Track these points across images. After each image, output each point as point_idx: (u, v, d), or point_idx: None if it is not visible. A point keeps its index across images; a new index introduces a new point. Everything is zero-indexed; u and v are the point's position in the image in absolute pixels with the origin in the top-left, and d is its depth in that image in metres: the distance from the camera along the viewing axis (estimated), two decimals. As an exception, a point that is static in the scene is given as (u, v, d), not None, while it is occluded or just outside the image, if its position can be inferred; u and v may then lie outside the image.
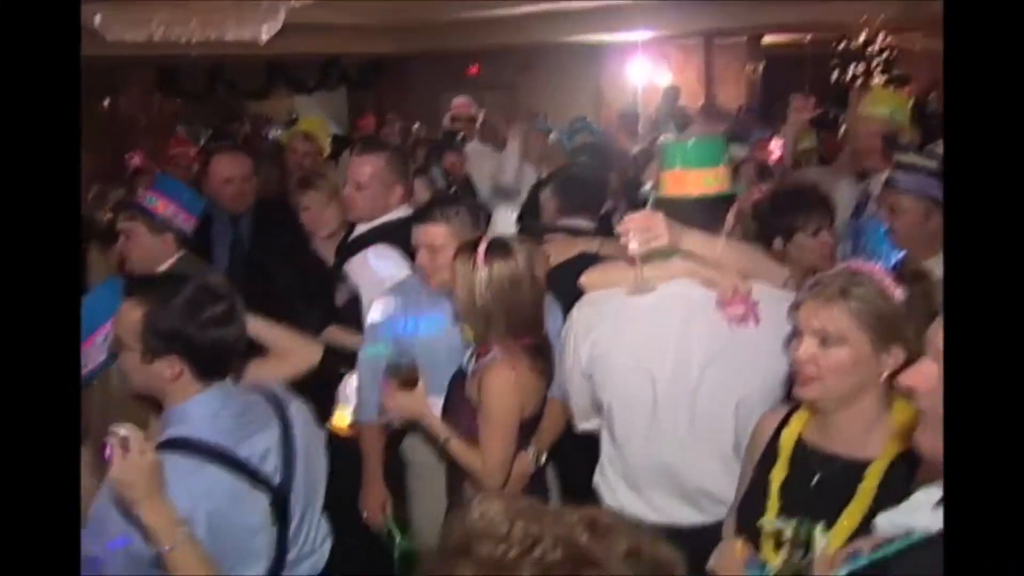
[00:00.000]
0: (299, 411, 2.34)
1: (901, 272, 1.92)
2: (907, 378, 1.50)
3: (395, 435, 3.23)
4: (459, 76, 14.02)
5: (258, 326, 2.58)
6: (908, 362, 1.85)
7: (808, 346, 1.93)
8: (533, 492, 2.83)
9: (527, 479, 2.86)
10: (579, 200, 3.87)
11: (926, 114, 10.11)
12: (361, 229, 3.69)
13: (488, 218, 3.59)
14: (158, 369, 2.08)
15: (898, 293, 1.89)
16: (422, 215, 3.17)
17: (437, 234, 3.05)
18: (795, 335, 1.99)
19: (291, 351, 2.67)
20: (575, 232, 3.72)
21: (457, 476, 2.90)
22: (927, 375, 1.45)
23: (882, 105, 4.31)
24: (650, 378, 2.46)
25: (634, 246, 2.39)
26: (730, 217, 2.51)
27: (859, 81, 10.24)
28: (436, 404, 2.88)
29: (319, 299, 3.66)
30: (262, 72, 12.79)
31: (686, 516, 2.44)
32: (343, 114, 15.33)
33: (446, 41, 12.51)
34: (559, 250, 3.50)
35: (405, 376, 2.80)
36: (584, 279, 2.68)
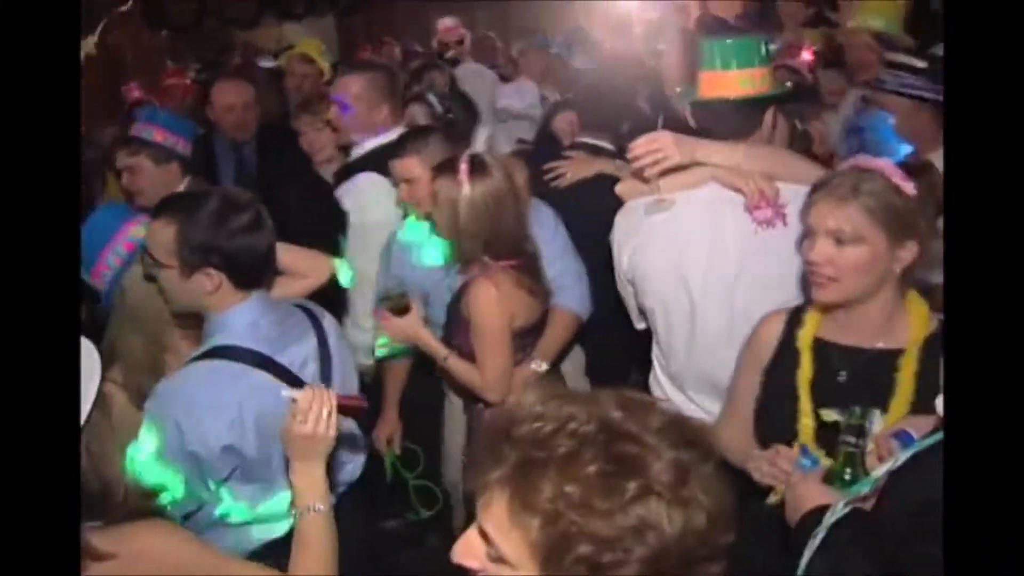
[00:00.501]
0: (331, 324, 2.43)
1: (909, 166, 1.91)
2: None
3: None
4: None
5: None
6: (921, 254, 1.90)
7: (823, 247, 1.93)
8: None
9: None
10: (596, 119, 3.84)
11: (927, 13, 9.94)
12: (356, 154, 3.70)
13: (468, 136, 3.59)
14: (197, 283, 2.15)
15: (909, 187, 1.89)
16: (394, 149, 3.19)
17: (411, 166, 3.08)
18: (808, 237, 1.99)
19: (304, 269, 2.72)
20: (594, 150, 3.70)
21: (471, 405, 2.98)
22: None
23: (873, 16, 4.19)
24: (686, 283, 2.50)
25: (648, 171, 2.44)
26: (768, 118, 2.49)
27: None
28: (438, 329, 2.97)
29: (326, 222, 3.69)
30: (251, 1, 12.52)
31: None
32: (332, 41, 15.07)
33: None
34: (576, 168, 3.52)
35: (397, 304, 2.90)
36: (620, 188, 2.70)
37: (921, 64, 3.04)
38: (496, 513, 1.07)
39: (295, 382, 2.17)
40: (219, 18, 12.63)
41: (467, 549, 1.13)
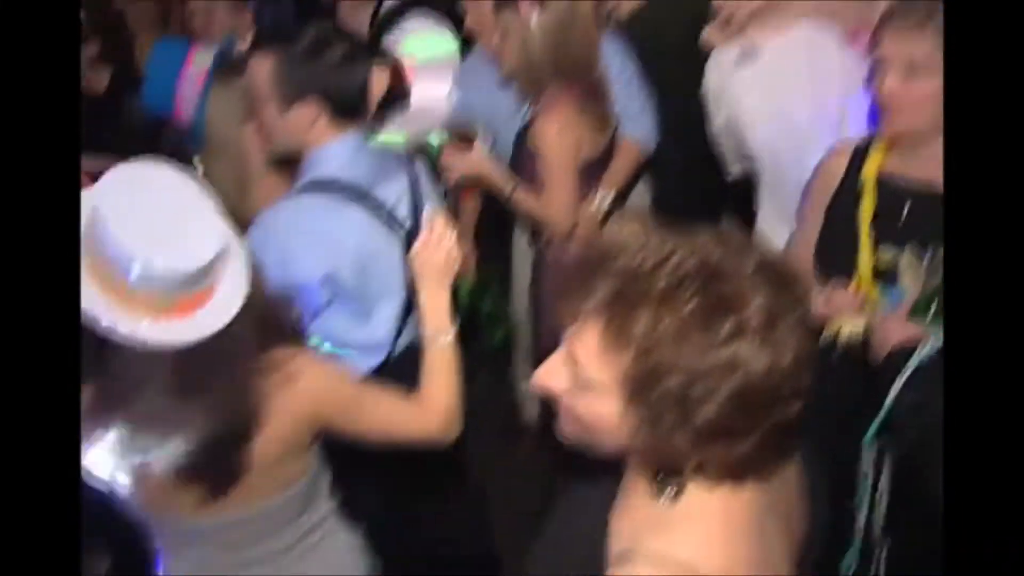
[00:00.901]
0: (421, 166, 2.47)
1: None
2: None
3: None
4: None
5: None
6: None
7: (895, 78, 1.89)
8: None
9: (597, 223, 2.95)
10: None
11: None
12: None
13: None
14: (295, 117, 2.18)
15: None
16: None
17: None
18: (877, 69, 1.94)
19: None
20: None
21: (537, 239, 3.02)
22: None
23: None
24: (791, 122, 2.48)
25: (737, 15, 2.41)
26: None
27: None
28: (503, 162, 2.98)
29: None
30: None
31: None
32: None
33: None
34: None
35: (462, 135, 2.92)
36: (705, 36, 2.66)
37: None
38: (588, 341, 1.09)
39: (391, 217, 2.24)
40: None
41: (552, 373, 1.16)
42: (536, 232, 3.04)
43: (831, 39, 2.35)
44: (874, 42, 1.96)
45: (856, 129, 2.30)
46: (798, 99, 2.44)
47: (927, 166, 1.96)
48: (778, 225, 2.62)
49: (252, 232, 2.13)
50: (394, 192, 2.31)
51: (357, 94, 2.21)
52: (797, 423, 1.11)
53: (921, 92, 1.88)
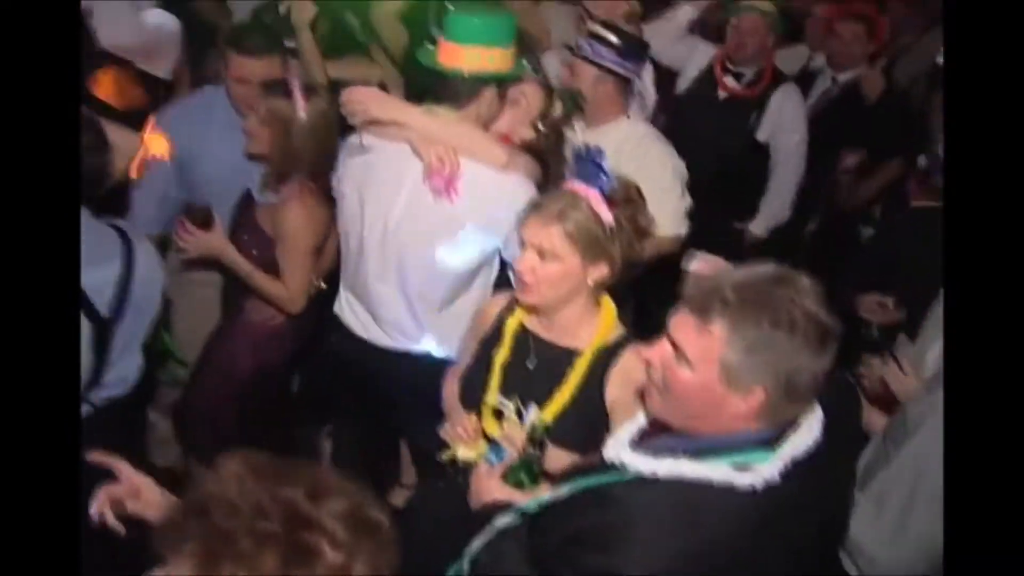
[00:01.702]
0: (144, 251, 2.46)
1: (612, 196, 2.16)
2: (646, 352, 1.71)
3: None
4: None
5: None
6: (611, 273, 2.20)
7: (528, 259, 2.17)
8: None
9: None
10: None
11: None
12: None
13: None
14: None
15: (608, 216, 2.14)
16: (236, 42, 3.15)
17: (250, 66, 3.10)
18: (520, 246, 2.22)
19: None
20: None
21: (234, 297, 3.11)
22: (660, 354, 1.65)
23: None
24: (361, 218, 2.73)
25: (351, 119, 2.68)
26: (488, 93, 2.66)
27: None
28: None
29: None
30: None
31: (382, 339, 2.83)
32: None
33: None
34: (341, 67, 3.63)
35: (200, 216, 2.94)
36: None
37: (616, 40, 3.37)
38: None
39: (87, 306, 2.25)
40: None
41: None
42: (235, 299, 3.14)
43: (418, 166, 2.64)
44: (519, 222, 2.23)
45: (401, 248, 2.67)
46: (371, 200, 2.73)
47: (555, 329, 2.28)
48: (345, 298, 2.92)
49: None
50: (100, 278, 2.32)
51: (86, 181, 2.21)
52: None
53: (547, 273, 2.17)
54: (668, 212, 3.34)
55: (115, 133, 2.41)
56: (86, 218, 2.26)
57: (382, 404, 2.94)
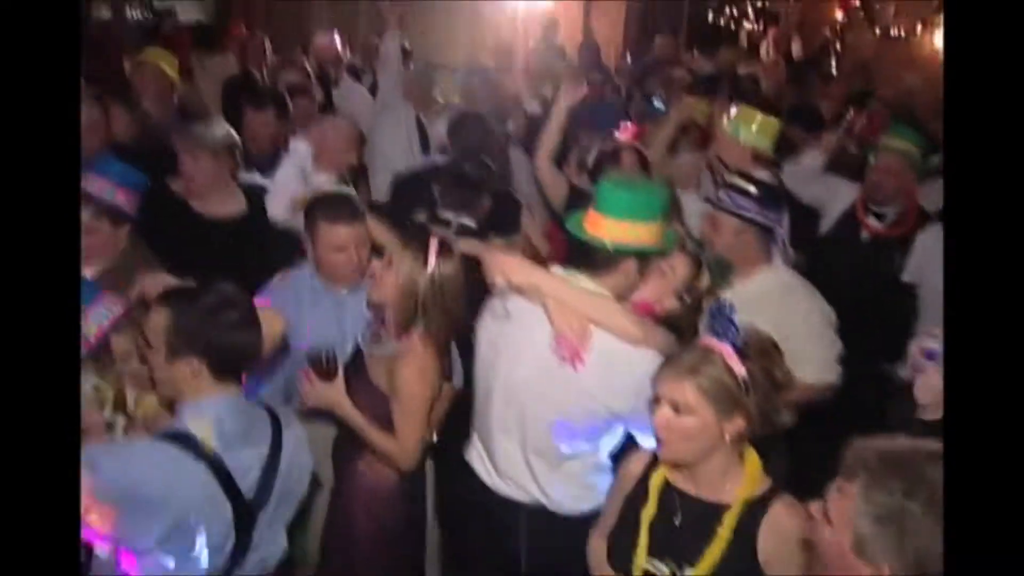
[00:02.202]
0: (294, 435, 2.50)
1: (745, 350, 2.19)
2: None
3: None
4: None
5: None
6: (748, 427, 2.20)
7: (663, 413, 2.21)
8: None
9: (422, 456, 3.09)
10: (459, 198, 3.97)
11: (788, 59, 10.58)
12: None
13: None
14: (178, 368, 2.29)
15: (741, 370, 2.17)
16: (328, 213, 3.28)
17: (345, 235, 3.23)
18: (654, 401, 2.25)
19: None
20: (460, 230, 3.88)
21: (345, 458, 3.11)
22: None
23: (746, 126, 4.27)
24: (493, 369, 2.81)
25: (497, 280, 2.75)
26: (629, 267, 2.69)
27: (733, 26, 10.52)
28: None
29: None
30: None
31: (502, 488, 2.85)
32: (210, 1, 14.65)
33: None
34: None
35: (326, 367, 2.95)
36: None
37: (755, 190, 3.38)
38: None
39: (229, 486, 2.29)
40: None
41: None
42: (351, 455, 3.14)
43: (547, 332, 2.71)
44: (654, 378, 2.26)
45: (526, 404, 2.73)
46: (504, 355, 2.82)
47: (700, 483, 2.28)
48: (475, 445, 2.98)
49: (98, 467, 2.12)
50: (247, 461, 2.35)
51: (241, 357, 2.36)
52: None
53: (682, 427, 2.19)
54: (818, 360, 3.31)
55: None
56: (239, 400, 2.38)
57: (508, 557, 2.91)
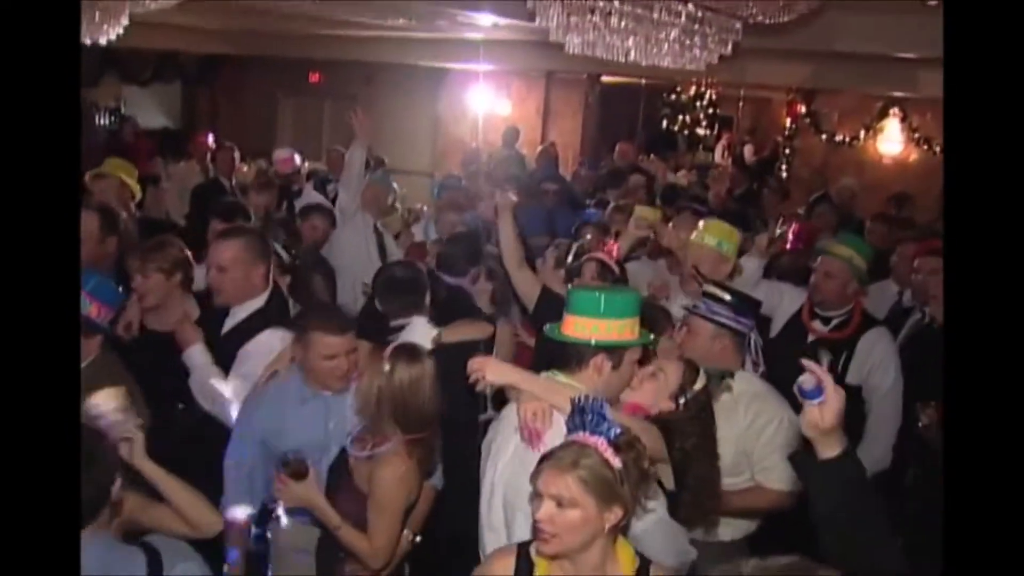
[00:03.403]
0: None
1: (618, 442, 2.31)
2: None
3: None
4: (299, 81, 13.92)
5: (161, 478, 2.74)
6: (624, 516, 2.31)
7: (547, 509, 2.29)
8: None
9: (402, 556, 3.17)
10: (399, 303, 4.03)
11: (740, 163, 10.98)
12: (235, 318, 3.86)
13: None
14: None
15: (616, 462, 2.29)
16: (323, 324, 3.34)
17: (340, 343, 3.29)
18: (536, 497, 2.34)
19: (191, 517, 2.79)
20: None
21: (330, 560, 3.15)
22: None
23: (713, 236, 4.47)
24: (490, 461, 2.88)
25: (475, 383, 2.85)
26: (597, 360, 2.81)
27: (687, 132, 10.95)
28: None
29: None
30: (95, 61, 12.07)
31: None
32: (177, 108, 14.95)
33: (287, 50, 12.40)
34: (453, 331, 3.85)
35: (295, 468, 3.05)
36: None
37: (729, 298, 3.58)
38: None
39: None
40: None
41: None
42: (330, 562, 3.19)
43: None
44: (534, 475, 2.34)
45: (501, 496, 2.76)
46: (494, 450, 2.89)
47: (582, 572, 2.35)
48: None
49: None
50: None
51: (92, 500, 2.18)
52: None
53: (567, 521, 2.29)
54: (783, 468, 3.30)
55: None
56: (113, 540, 2.26)
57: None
